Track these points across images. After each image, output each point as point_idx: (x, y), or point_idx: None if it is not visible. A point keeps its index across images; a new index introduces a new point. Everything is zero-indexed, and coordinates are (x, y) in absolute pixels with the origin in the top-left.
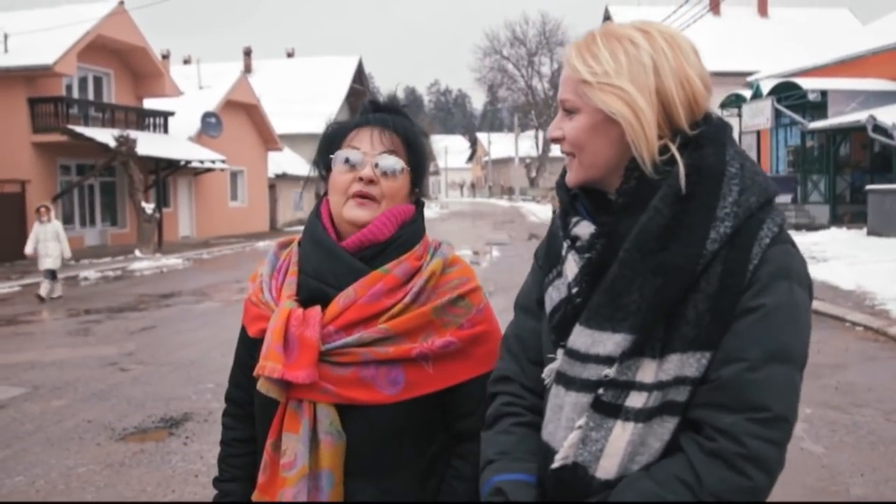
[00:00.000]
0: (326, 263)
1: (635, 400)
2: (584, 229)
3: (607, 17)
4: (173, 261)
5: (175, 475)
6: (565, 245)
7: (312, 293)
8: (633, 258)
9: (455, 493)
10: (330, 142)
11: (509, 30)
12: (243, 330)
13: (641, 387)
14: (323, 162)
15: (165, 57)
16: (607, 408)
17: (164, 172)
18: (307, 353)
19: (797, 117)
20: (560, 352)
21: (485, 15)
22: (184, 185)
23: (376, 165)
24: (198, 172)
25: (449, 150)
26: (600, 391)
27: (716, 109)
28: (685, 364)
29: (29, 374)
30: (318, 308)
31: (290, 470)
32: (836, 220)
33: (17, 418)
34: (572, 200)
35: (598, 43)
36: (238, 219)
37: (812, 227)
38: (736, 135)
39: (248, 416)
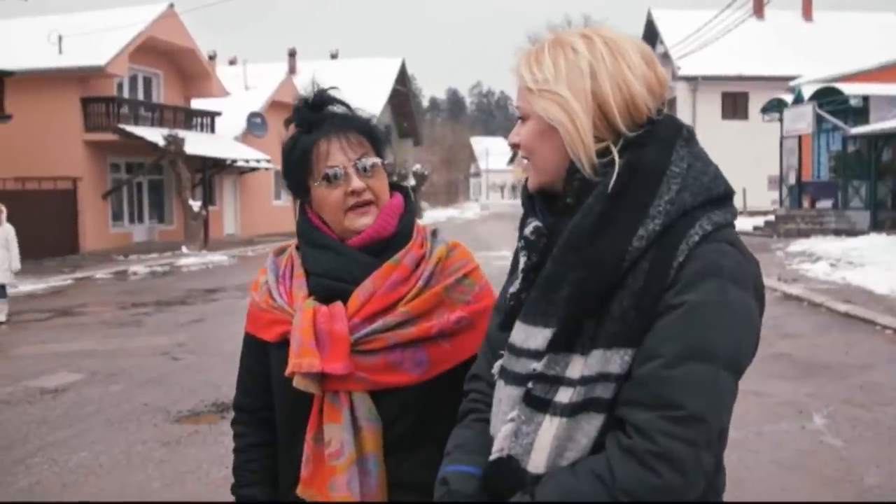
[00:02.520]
0: (336, 262)
1: (563, 395)
2: (533, 228)
3: (650, 21)
4: (219, 257)
5: (228, 453)
6: (519, 245)
7: (329, 291)
8: (565, 255)
9: None
10: (298, 160)
11: (552, 32)
12: (250, 338)
13: (569, 382)
14: (298, 183)
15: (212, 57)
16: (537, 402)
17: (211, 171)
18: (340, 346)
19: (839, 122)
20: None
21: (527, 17)
22: (229, 184)
23: (361, 172)
24: (243, 171)
25: (490, 151)
26: (530, 385)
27: (757, 114)
28: (609, 360)
29: (86, 362)
30: (339, 303)
31: (339, 458)
32: (876, 225)
33: (79, 401)
34: (531, 203)
35: (545, 51)
36: (281, 217)
37: (852, 232)
38: (777, 139)
39: (260, 422)
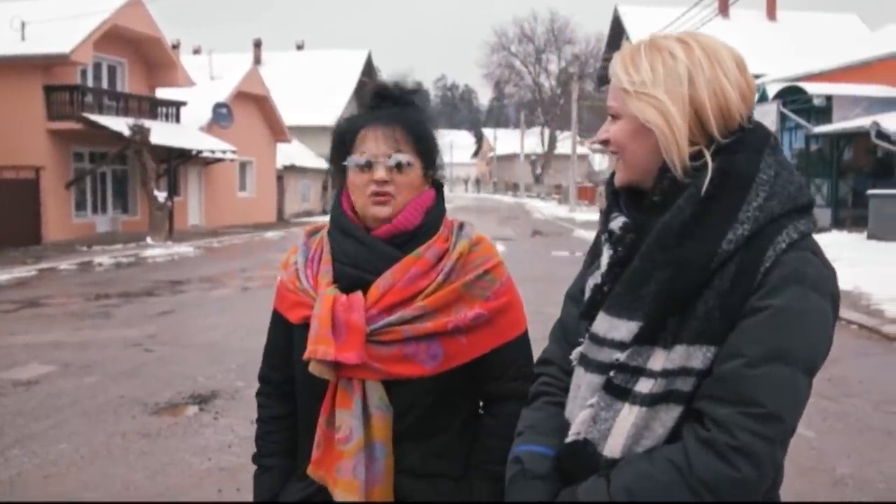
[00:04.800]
0: (361, 252)
1: (643, 385)
2: (621, 223)
3: (616, 17)
4: (185, 249)
5: (209, 445)
6: (603, 238)
7: (351, 280)
8: (653, 252)
9: (487, 449)
10: (341, 142)
11: (518, 26)
12: (278, 315)
13: (651, 373)
14: (338, 162)
15: (175, 47)
16: (617, 390)
17: (176, 161)
18: (355, 336)
19: (802, 121)
20: (587, 335)
21: (493, 11)
22: (194, 175)
23: (387, 165)
24: (208, 162)
25: (454, 145)
26: (612, 374)
27: None
28: (691, 356)
29: (57, 354)
30: (359, 293)
31: (347, 443)
32: (837, 223)
33: (53, 393)
34: (615, 198)
35: (641, 54)
36: (246, 209)
37: (814, 229)
38: None
39: (283, 395)
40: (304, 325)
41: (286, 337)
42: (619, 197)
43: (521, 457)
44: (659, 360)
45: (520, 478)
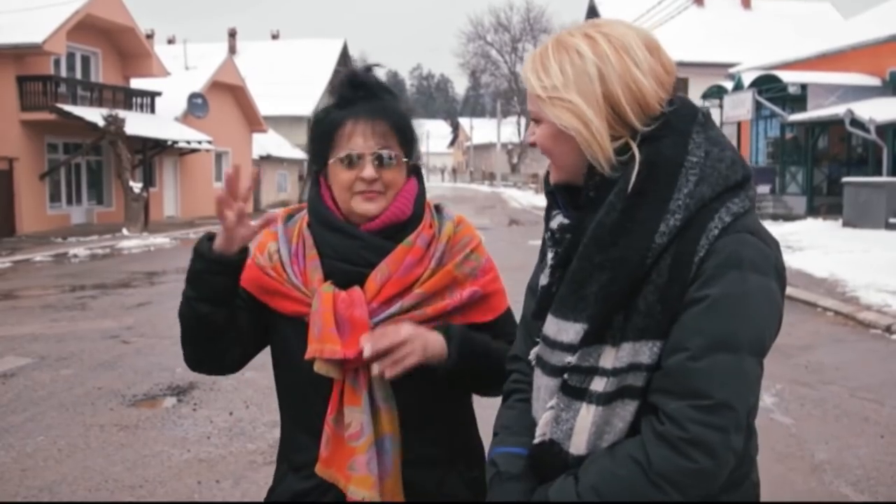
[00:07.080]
0: (350, 246)
1: (598, 384)
2: (558, 223)
3: (592, 7)
4: (161, 240)
5: (188, 437)
6: (546, 237)
7: (345, 275)
8: (590, 253)
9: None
10: (321, 134)
11: (494, 16)
12: (248, 296)
13: (603, 372)
14: (319, 154)
15: (150, 37)
16: (574, 391)
17: (151, 152)
18: (360, 332)
19: (777, 109)
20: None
21: (469, 1)
22: (169, 165)
23: (375, 161)
24: (183, 153)
25: (430, 134)
26: (566, 376)
27: (697, 100)
28: (638, 352)
29: (33, 346)
30: (357, 288)
31: (359, 440)
32: (812, 211)
33: (29, 385)
34: (553, 197)
35: (549, 55)
36: None
37: (789, 217)
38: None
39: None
40: (297, 320)
41: (252, 320)
42: (557, 195)
43: (497, 460)
44: (609, 358)
45: (497, 480)
